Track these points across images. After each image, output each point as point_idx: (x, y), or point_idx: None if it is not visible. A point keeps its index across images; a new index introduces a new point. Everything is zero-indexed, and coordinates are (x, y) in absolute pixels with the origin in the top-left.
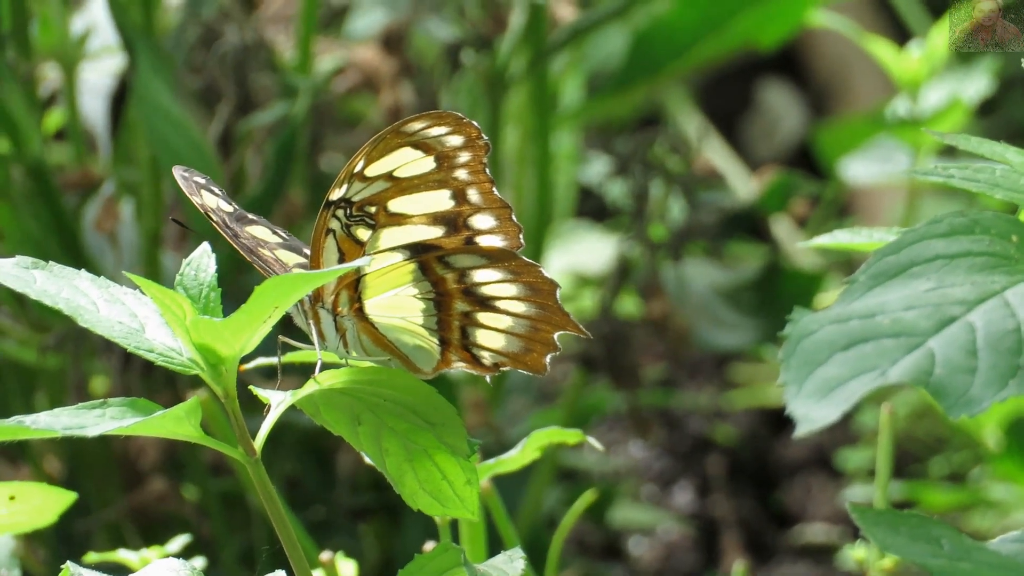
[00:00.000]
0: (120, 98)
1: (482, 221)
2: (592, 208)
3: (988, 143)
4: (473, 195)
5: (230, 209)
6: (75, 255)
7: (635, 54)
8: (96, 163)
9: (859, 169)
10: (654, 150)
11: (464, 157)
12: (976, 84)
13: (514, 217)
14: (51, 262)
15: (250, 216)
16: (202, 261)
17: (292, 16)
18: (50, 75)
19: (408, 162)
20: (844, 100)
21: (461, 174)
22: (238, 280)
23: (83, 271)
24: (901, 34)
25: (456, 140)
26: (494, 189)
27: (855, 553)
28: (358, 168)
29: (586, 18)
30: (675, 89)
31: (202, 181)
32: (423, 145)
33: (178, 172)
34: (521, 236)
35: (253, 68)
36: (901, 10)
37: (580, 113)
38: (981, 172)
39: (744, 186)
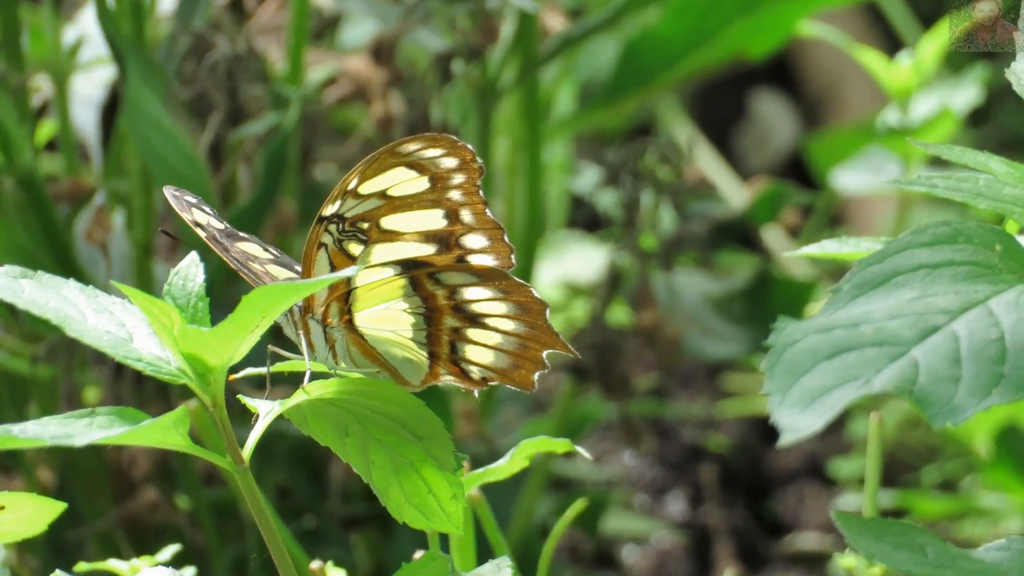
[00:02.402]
0: (111, 109)
1: (474, 241)
2: (583, 218)
3: (972, 153)
4: (466, 215)
5: (221, 226)
6: (66, 265)
7: (626, 64)
8: (87, 174)
9: (850, 179)
10: (645, 160)
11: (458, 179)
12: (966, 94)
13: (506, 238)
14: (40, 272)
15: (241, 234)
16: (190, 271)
17: (283, 26)
18: (41, 86)
19: (402, 181)
20: (837, 110)
21: (455, 195)
22: (229, 290)
23: (72, 281)
24: (894, 44)
25: (450, 162)
26: (487, 210)
27: (844, 561)
28: (352, 186)
29: (577, 28)
30: (667, 99)
31: (193, 200)
32: (418, 165)
33: (169, 192)
34: (513, 256)
35: (244, 78)
36: (893, 20)
37: (571, 123)
38: (964, 182)
39: (735, 196)
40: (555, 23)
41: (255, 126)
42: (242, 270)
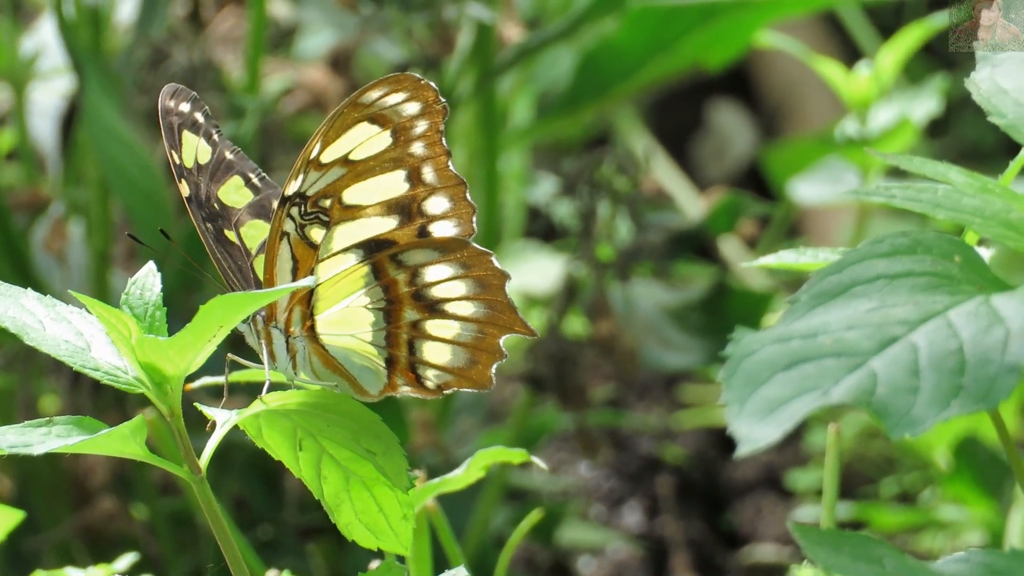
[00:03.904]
0: (70, 119)
1: (436, 204)
2: (540, 228)
3: (931, 163)
4: (428, 173)
5: (207, 159)
6: (24, 275)
7: (583, 74)
8: (45, 183)
9: (808, 190)
10: (602, 170)
11: (421, 126)
12: (925, 104)
13: (468, 196)
14: None
15: (228, 157)
16: (147, 280)
17: (241, 37)
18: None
19: (364, 140)
20: (795, 120)
21: (417, 148)
22: (188, 299)
23: (30, 290)
24: (853, 54)
25: (413, 108)
26: (450, 163)
27: (801, 573)
28: (314, 153)
29: (534, 38)
30: (624, 109)
31: (186, 109)
32: (380, 117)
33: (167, 91)
34: (475, 219)
35: (202, 88)
36: (852, 30)
37: (528, 133)
38: (923, 192)
39: (693, 206)
40: (512, 33)
41: None
42: (211, 256)
